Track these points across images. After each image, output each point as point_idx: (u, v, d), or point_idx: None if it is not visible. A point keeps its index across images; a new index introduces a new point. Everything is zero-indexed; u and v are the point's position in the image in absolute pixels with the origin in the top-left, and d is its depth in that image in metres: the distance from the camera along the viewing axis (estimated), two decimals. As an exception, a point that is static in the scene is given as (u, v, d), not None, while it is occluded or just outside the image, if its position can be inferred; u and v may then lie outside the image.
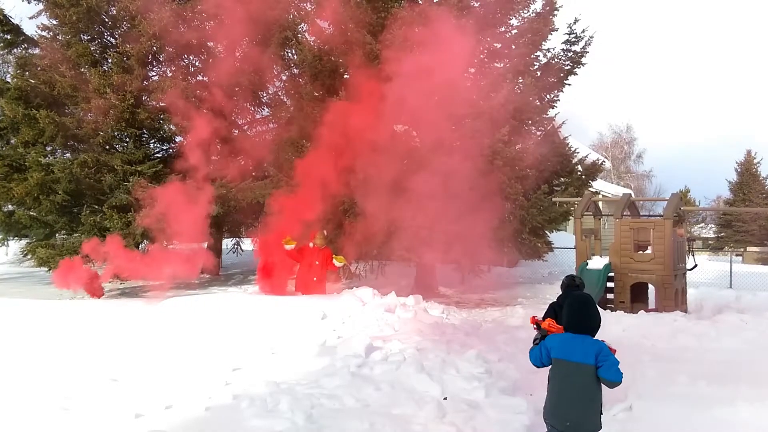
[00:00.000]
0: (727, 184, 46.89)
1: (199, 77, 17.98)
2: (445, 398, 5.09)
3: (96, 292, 12.60)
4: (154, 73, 17.74)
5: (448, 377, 5.63)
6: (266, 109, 19.22)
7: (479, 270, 15.46)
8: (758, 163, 45.51)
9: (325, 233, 11.27)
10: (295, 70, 17.98)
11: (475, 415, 4.77)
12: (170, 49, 16.69)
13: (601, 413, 3.68)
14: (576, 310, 3.75)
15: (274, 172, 15.09)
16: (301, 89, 15.21)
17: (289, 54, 18.51)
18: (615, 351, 3.67)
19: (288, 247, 10.59)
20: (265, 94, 18.87)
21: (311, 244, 10.86)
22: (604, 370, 3.55)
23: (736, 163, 46.36)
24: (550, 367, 3.77)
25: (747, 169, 45.51)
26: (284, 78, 18.15)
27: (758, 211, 41.05)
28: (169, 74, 17.14)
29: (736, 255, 33.63)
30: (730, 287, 16.17)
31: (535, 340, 4.09)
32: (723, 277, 17.61)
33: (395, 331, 7.70)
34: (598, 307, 7.65)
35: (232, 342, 7.09)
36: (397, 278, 17.12)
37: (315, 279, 10.85)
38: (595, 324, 3.72)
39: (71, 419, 4.58)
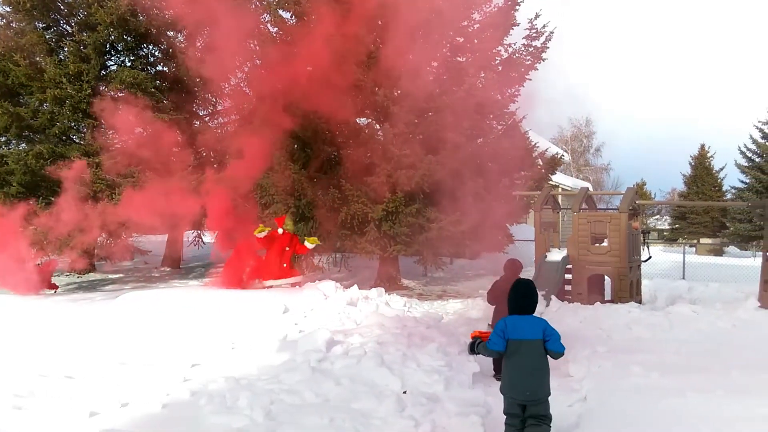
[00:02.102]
0: (681, 177, 48.17)
1: (159, 67, 17.75)
2: (405, 392, 5.14)
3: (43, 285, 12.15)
4: (112, 63, 17.40)
5: (409, 371, 5.67)
6: (228, 101, 18.99)
7: (441, 262, 15.58)
8: (711, 157, 46.82)
9: (291, 217, 11.23)
10: (258, 62, 17.83)
11: (434, 408, 4.83)
12: (128, 38, 16.39)
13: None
14: (522, 294, 4.33)
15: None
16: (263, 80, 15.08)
17: (253, 45, 18.32)
18: None
19: (260, 234, 10.34)
20: (227, 86, 18.62)
21: (280, 230, 10.60)
22: (551, 343, 4.14)
23: (691, 157, 47.64)
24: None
25: (701, 163, 46.79)
26: (246, 69, 17.95)
27: (711, 204, 42.26)
28: (128, 63, 16.84)
29: (690, 246, 34.61)
30: (683, 278, 16.62)
31: (472, 345, 4.50)
32: (676, 269, 18.11)
33: (357, 325, 7.72)
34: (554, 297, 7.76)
35: (191, 337, 7.03)
36: (360, 271, 17.17)
37: (285, 265, 10.70)
38: (535, 305, 4.37)
39: (24, 418, 4.49)
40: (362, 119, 15.06)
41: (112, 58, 17.29)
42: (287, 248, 10.65)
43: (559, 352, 4.18)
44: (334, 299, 9.67)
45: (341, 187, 13.65)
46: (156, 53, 17.58)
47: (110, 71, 16.28)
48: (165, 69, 17.45)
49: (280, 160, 13.53)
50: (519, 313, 4.26)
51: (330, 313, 8.71)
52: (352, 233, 13.73)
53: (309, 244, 10.91)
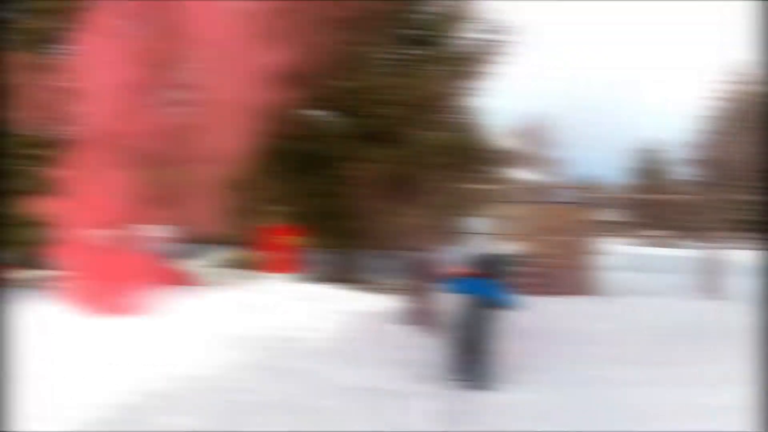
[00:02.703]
0: (634, 170, 49.03)
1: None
2: (361, 388, 5.07)
3: None
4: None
5: (368, 366, 5.61)
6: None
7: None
8: (662, 150, 47.78)
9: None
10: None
11: (393, 403, 4.78)
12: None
13: None
14: None
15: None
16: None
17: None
18: None
19: None
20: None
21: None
22: None
23: (642, 150, 48.52)
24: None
25: (652, 156, 47.73)
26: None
27: (664, 197, 43.23)
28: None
29: (643, 238, 35.34)
30: (638, 269, 16.91)
31: None
32: (632, 260, 18.42)
33: (318, 321, 7.60)
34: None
35: (144, 334, 6.81)
36: (327, 266, 16.98)
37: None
38: None
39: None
40: (318, 112, 14.85)
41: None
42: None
43: None
44: (296, 295, 9.54)
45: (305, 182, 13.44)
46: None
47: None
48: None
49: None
50: None
51: (291, 309, 8.57)
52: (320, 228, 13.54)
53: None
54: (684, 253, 24.59)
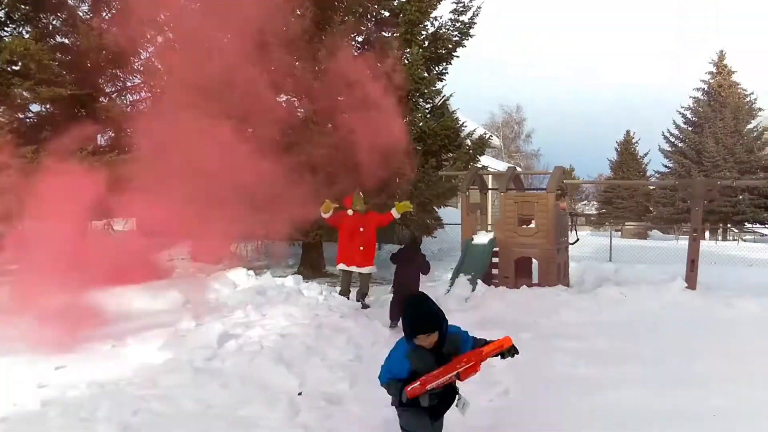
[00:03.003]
0: (608, 162, 49.26)
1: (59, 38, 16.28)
2: (300, 393, 4.42)
3: None
4: (7, 34, 15.84)
5: (311, 368, 4.97)
6: (138, 77, 17.72)
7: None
8: (636, 142, 48.06)
9: (361, 195, 9.44)
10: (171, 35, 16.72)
11: (333, 412, 4.14)
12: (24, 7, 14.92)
13: None
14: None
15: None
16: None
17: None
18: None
19: (326, 215, 9.26)
20: (137, 61, 17.37)
21: (350, 212, 9.27)
22: None
23: (617, 142, 48.75)
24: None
25: (626, 149, 47.96)
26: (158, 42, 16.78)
27: (635, 184, 43.33)
28: (26, 35, 15.36)
29: (616, 230, 35.34)
30: (610, 260, 16.58)
31: None
32: (603, 251, 18.12)
33: (262, 316, 6.92)
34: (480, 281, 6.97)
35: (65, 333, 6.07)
36: (284, 259, 16.33)
37: (361, 248, 9.40)
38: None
39: None
40: (282, 96, 14.21)
41: (7, 29, 15.75)
42: (362, 229, 9.21)
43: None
44: (243, 288, 8.89)
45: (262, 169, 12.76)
46: (56, 23, 16.10)
47: (1, 42, 14.76)
48: (65, 40, 15.99)
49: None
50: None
51: (236, 303, 7.90)
52: (272, 217, 12.86)
53: (396, 213, 9.36)
54: (657, 244, 24.57)
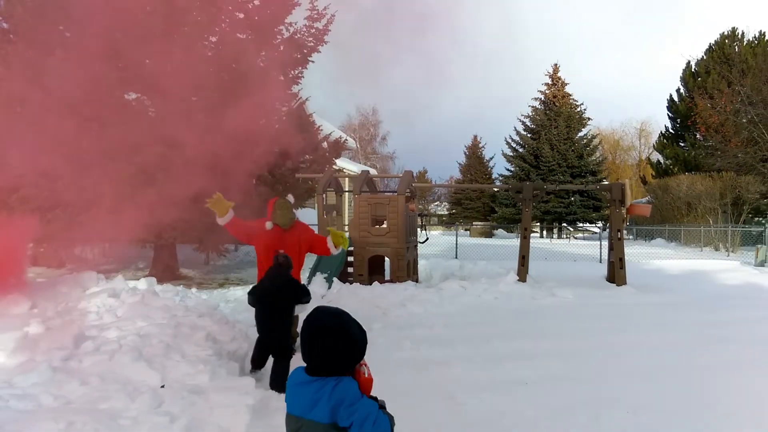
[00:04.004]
0: (457, 165, 52.10)
1: None
2: (163, 386, 4.63)
3: None
4: None
5: (171, 363, 5.15)
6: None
7: (224, 249, 14.95)
8: (483, 147, 51.25)
9: (291, 200, 6.77)
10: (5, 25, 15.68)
11: (196, 401, 4.40)
12: None
13: None
14: (306, 335, 2.34)
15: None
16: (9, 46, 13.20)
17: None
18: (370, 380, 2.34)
19: (223, 220, 6.67)
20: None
21: (268, 224, 6.49)
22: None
23: (465, 147, 51.69)
24: None
25: (474, 153, 50.97)
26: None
27: (479, 187, 46.23)
28: None
29: (465, 229, 37.55)
30: (456, 257, 17.81)
31: None
32: (451, 249, 19.40)
33: (117, 318, 6.91)
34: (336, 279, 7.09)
35: None
36: (133, 261, 15.89)
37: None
38: (332, 357, 2.27)
39: None
40: (130, 94, 13.84)
41: None
42: (281, 251, 6.12)
43: None
44: (93, 292, 8.70)
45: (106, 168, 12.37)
46: None
47: None
48: None
49: (31, 135, 11.91)
50: (308, 372, 2.31)
51: (87, 306, 7.78)
52: (120, 219, 12.52)
53: (332, 246, 6.57)
54: (500, 242, 26.59)
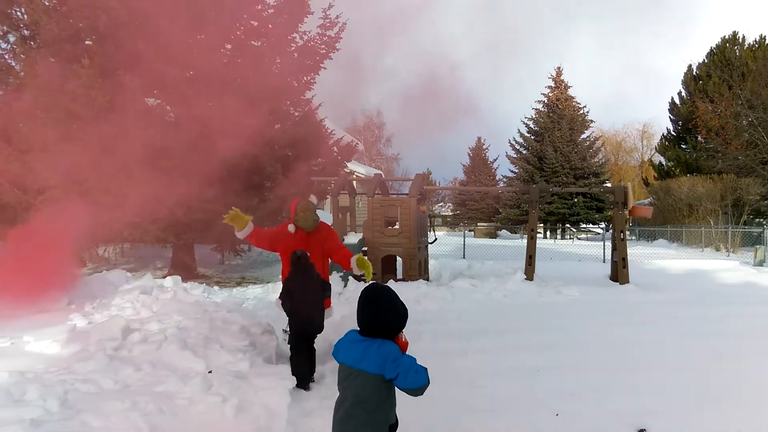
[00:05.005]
0: (461, 167, 52.62)
1: None
2: (210, 371, 5.12)
3: None
4: None
5: (212, 352, 5.64)
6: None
7: (239, 249, 15.45)
8: (486, 148, 51.77)
9: (314, 201, 6.61)
10: (26, 31, 16.19)
11: (241, 384, 4.89)
12: None
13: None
14: (362, 308, 3.03)
15: (1, 145, 13.45)
16: (34, 54, 13.70)
17: (18, 13, 16.56)
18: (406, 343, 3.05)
19: (240, 233, 6.56)
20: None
21: (291, 228, 6.43)
22: (400, 380, 2.84)
23: (469, 148, 52.20)
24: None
25: (477, 154, 51.48)
26: (12, 40, 16.18)
27: (485, 190, 46.64)
28: None
29: (469, 230, 38.02)
30: (464, 257, 18.29)
31: None
32: (458, 249, 19.88)
33: (153, 313, 7.41)
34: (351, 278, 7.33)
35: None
36: (151, 261, 16.40)
37: None
38: (382, 325, 2.97)
39: None
40: (151, 100, 14.35)
41: None
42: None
43: (415, 388, 2.85)
44: (125, 289, 9.21)
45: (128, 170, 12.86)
46: None
47: None
48: None
49: (56, 140, 12.42)
50: (361, 333, 3.01)
51: (122, 302, 8.29)
52: (142, 220, 13.03)
53: (356, 266, 6.20)
54: (505, 242, 27.05)
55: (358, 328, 3.06)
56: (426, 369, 2.91)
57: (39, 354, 5.79)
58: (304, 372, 5.48)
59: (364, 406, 2.91)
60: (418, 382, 2.84)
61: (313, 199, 6.69)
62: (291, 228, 6.40)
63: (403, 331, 3.07)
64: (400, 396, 3.02)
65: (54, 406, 4.15)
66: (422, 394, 2.90)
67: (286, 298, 5.68)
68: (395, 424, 3.14)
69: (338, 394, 3.07)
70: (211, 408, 4.41)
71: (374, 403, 2.92)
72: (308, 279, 5.69)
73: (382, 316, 2.99)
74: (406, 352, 2.97)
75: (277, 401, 4.69)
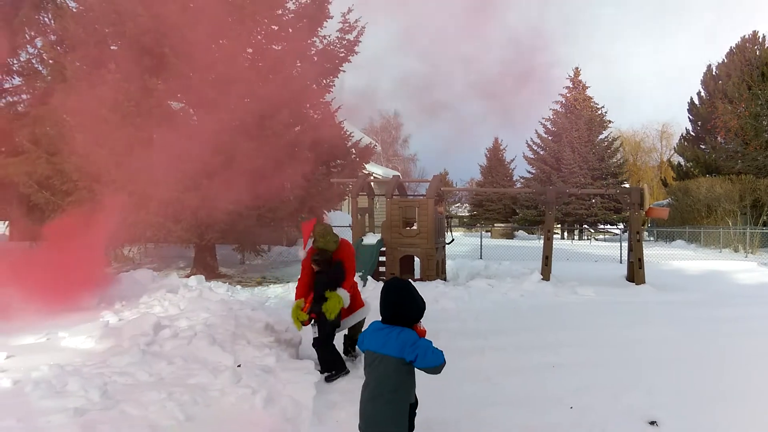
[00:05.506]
0: (478, 167, 52.66)
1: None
2: (239, 365, 5.37)
3: None
4: None
5: (239, 348, 5.89)
6: (17, 78, 17.43)
7: (259, 249, 15.73)
8: (504, 149, 51.73)
9: (330, 222, 6.20)
10: (53, 37, 16.65)
11: (269, 378, 5.12)
12: None
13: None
14: (384, 300, 3.39)
15: (30, 147, 13.86)
16: (60, 58, 14.10)
17: (46, 18, 17.02)
18: (424, 332, 3.39)
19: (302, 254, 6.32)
20: (15, 62, 17.13)
21: (303, 253, 6.37)
22: (420, 360, 3.19)
23: (486, 149, 52.21)
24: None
25: (495, 155, 51.47)
26: (39, 45, 16.65)
27: (503, 191, 46.64)
28: None
29: (486, 231, 38.10)
30: (481, 258, 18.43)
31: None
32: (475, 250, 20.02)
33: (181, 310, 7.71)
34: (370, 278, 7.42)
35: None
36: (173, 261, 16.74)
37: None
38: (402, 314, 3.33)
39: None
40: (176, 104, 14.67)
41: None
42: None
43: (432, 367, 3.19)
44: (152, 287, 9.53)
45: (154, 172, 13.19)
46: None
47: None
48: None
49: (83, 144, 12.79)
50: (383, 322, 3.36)
51: (150, 300, 8.62)
52: (166, 221, 13.36)
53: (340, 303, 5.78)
54: (521, 243, 27.12)
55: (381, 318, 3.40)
56: (442, 351, 3.24)
57: (75, 349, 6.10)
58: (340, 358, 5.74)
59: (387, 387, 3.25)
60: (435, 361, 3.19)
61: (328, 219, 6.39)
62: (302, 254, 6.22)
63: (422, 321, 3.41)
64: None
65: (95, 396, 4.42)
66: (440, 373, 3.25)
67: (316, 302, 5.75)
68: (415, 403, 3.49)
69: (363, 381, 3.40)
70: (242, 399, 4.64)
71: (396, 384, 3.26)
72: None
73: (402, 305, 3.36)
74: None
75: (303, 394, 4.92)
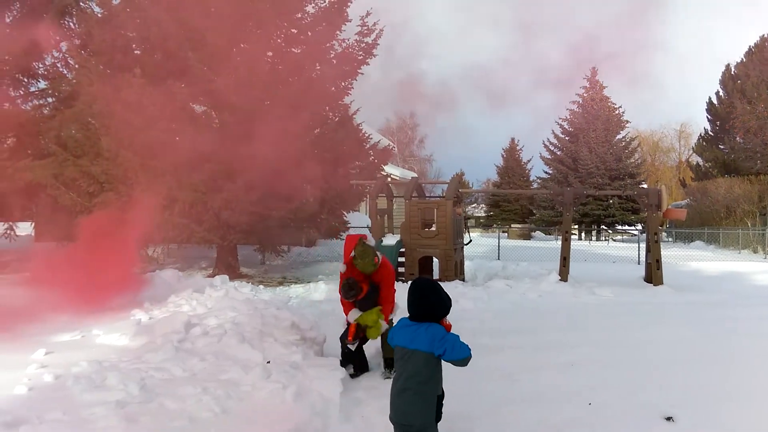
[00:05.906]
0: (495, 168, 52.63)
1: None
2: (269, 362, 5.58)
3: None
4: None
5: (267, 345, 6.10)
6: (42, 82, 17.82)
7: (280, 250, 15.98)
8: (521, 149, 51.70)
9: (372, 243, 6.13)
10: (77, 41, 17.00)
11: (297, 373, 5.33)
12: None
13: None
14: (411, 297, 3.56)
15: (57, 150, 14.20)
16: (86, 62, 14.42)
17: (71, 23, 17.38)
18: (450, 326, 3.59)
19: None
20: (41, 65, 17.51)
21: (343, 267, 6.10)
22: (448, 354, 3.38)
23: (503, 149, 52.19)
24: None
25: (511, 155, 51.45)
26: (64, 49, 17.01)
27: (520, 192, 46.65)
28: None
29: (503, 232, 38.16)
30: (498, 259, 18.56)
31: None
32: (492, 251, 20.16)
33: (208, 309, 7.92)
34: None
35: (34, 330, 6.88)
36: (195, 261, 17.04)
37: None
38: (428, 311, 3.50)
39: None
40: (198, 107, 14.97)
41: None
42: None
43: (460, 359, 3.40)
44: (179, 287, 9.78)
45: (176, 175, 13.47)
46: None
47: None
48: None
49: (109, 146, 13.11)
50: (411, 319, 3.54)
51: (178, 300, 8.86)
52: (190, 222, 13.64)
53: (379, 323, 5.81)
54: (539, 244, 27.17)
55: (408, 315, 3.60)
56: (468, 345, 3.46)
57: (110, 346, 6.36)
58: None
59: (417, 380, 3.44)
60: (462, 353, 3.40)
61: (370, 240, 6.21)
62: (342, 268, 6.03)
63: (447, 317, 3.64)
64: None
65: (135, 390, 4.66)
66: (466, 365, 3.46)
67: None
68: (442, 395, 3.69)
69: (388, 381, 3.68)
70: (273, 394, 4.86)
71: (425, 377, 3.45)
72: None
73: (430, 302, 3.53)
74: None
75: (330, 390, 5.12)
